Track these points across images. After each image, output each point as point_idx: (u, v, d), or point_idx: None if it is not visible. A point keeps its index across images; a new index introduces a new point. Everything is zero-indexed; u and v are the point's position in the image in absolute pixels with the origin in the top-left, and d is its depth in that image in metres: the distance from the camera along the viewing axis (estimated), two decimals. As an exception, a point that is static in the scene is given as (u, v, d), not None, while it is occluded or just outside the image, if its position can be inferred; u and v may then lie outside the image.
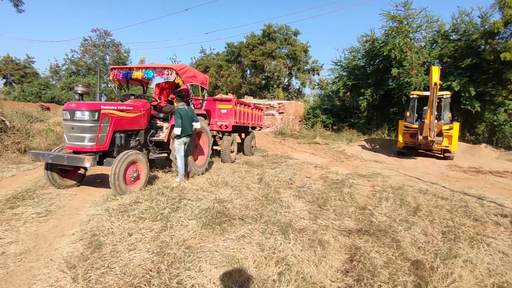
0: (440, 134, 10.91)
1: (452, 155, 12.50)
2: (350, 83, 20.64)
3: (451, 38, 17.55)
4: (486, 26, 15.39)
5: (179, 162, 6.18)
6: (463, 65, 15.40)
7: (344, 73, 22.44)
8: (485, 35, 14.92)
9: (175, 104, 6.91)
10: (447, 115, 12.67)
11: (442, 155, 13.08)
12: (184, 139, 6.12)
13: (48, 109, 23.66)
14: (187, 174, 6.50)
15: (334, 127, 22.34)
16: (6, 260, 2.95)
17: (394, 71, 17.04)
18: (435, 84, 10.29)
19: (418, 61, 16.71)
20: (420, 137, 10.87)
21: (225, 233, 3.74)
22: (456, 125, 12.46)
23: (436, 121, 10.86)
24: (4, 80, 39.52)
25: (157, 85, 7.99)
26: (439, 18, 18.43)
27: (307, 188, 6.32)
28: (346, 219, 4.59)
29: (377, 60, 19.86)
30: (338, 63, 23.03)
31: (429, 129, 10.51)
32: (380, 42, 18.80)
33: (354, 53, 22.29)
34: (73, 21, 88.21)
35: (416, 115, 13.42)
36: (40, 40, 72.62)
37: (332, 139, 18.87)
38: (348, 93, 22.10)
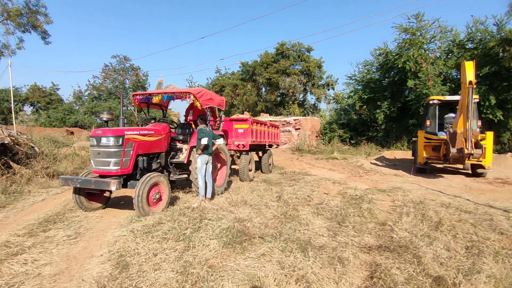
0: (477, 145, 8.95)
1: (486, 171, 10.52)
2: (366, 97, 20.61)
3: (467, 47, 17.39)
4: (502, 34, 15.20)
5: (200, 182, 6.37)
6: (481, 74, 15.16)
7: (359, 87, 22.45)
8: (502, 43, 14.72)
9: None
10: (476, 123, 10.37)
11: (471, 172, 11.22)
12: (206, 157, 6.33)
13: (72, 133, 24.73)
14: (212, 195, 6.64)
15: (352, 141, 22.18)
16: (42, 281, 3.14)
17: (410, 83, 16.97)
18: (470, 83, 8.44)
19: (434, 72, 16.59)
20: (453, 150, 9.05)
21: (246, 252, 3.82)
22: (490, 135, 10.41)
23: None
24: (32, 108, 41.66)
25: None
26: (453, 28, 18.38)
27: (325, 205, 6.33)
28: (366, 236, 4.58)
29: (392, 73, 19.85)
30: (353, 77, 23.12)
31: (465, 139, 8.75)
32: (394, 54, 18.84)
33: (368, 66, 22.37)
34: (95, 49, 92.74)
35: (437, 124, 11.49)
36: (65, 71, 76.80)
37: (350, 154, 18.71)
38: (365, 107, 22.05)
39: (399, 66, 17.55)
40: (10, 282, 3.07)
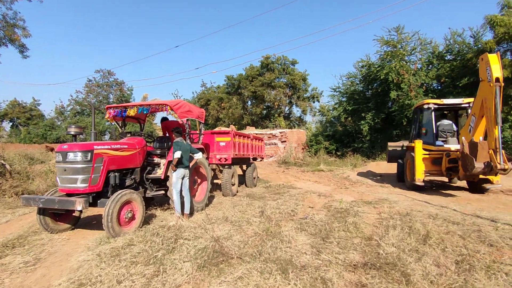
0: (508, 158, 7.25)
1: (494, 186, 9.01)
2: (350, 108, 20.73)
3: (446, 58, 17.80)
4: (479, 46, 15.60)
5: (175, 198, 6.01)
6: (460, 84, 15.46)
7: (344, 99, 22.62)
8: (479, 54, 15.05)
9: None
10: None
11: (469, 187, 9.89)
12: (182, 171, 5.99)
13: (51, 150, 23.88)
14: (191, 211, 6.29)
15: (338, 153, 22.14)
16: (-17, 319, 2.73)
17: (393, 94, 17.15)
18: (497, 80, 6.97)
19: (416, 82, 16.83)
20: (478, 165, 7.23)
21: (222, 275, 3.49)
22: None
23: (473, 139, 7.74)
24: (11, 124, 40.36)
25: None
26: (432, 40, 18.85)
27: (309, 220, 6.05)
28: (351, 252, 4.31)
29: (375, 84, 20.08)
30: (337, 89, 23.30)
31: (493, 150, 7.08)
32: (376, 66, 19.10)
33: (351, 78, 22.61)
34: (76, 63, 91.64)
35: (434, 132, 9.86)
36: (44, 84, 75.23)
37: (336, 165, 18.60)
38: (349, 118, 22.14)
39: (382, 77, 17.76)
40: None
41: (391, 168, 15.77)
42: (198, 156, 6.33)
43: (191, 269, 3.62)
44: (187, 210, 6.11)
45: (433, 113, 9.85)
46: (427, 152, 9.50)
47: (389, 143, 13.75)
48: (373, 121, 19.10)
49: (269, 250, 4.24)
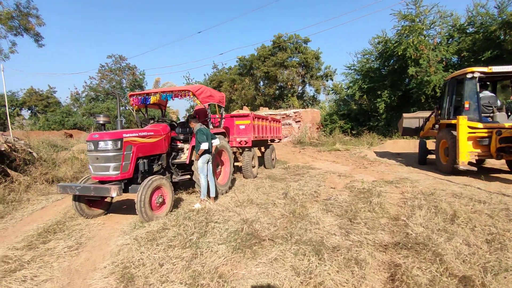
0: None
1: None
2: (366, 86, 20.34)
3: (467, 31, 17.08)
4: (504, 17, 14.89)
5: (203, 182, 6.16)
6: (483, 58, 14.91)
7: (358, 77, 22.17)
8: (503, 26, 14.44)
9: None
10: None
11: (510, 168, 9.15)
12: (207, 156, 6.11)
13: (71, 136, 24.49)
14: (216, 194, 6.44)
15: (353, 132, 21.94)
16: (42, 300, 2.95)
17: (411, 70, 16.70)
18: None
19: (436, 58, 16.29)
20: None
21: (257, 257, 3.63)
22: None
23: None
24: (29, 112, 41.27)
25: None
26: (453, 12, 18.04)
27: (334, 201, 6.14)
28: (380, 232, 4.39)
29: (392, 61, 19.56)
30: (352, 67, 22.82)
31: None
32: (393, 42, 18.54)
33: (367, 55, 22.06)
34: (90, 49, 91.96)
35: (479, 107, 8.40)
36: (60, 73, 75.94)
37: (352, 144, 18.50)
38: (365, 96, 21.77)
39: (399, 53, 17.26)
40: (9, 303, 2.88)
41: (409, 146, 15.62)
42: (216, 142, 6.39)
43: (226, 251, 3.77)
44: (212, 193, 6.25)
45: (477, 84, 8.51)
46: (472, 130, 8.22)
47: (404, 114, 12.67)
48: (389, 99, 18.74)
49: (299, 232, 4.35)
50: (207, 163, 6.17)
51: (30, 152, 9.89)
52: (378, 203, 5.72)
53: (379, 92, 19.52)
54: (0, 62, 21.05)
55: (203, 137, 5.90)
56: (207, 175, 6.16)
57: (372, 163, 12.06)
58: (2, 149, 8.47)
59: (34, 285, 3.22)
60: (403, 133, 12.86)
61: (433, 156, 10.53)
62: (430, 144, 11.50)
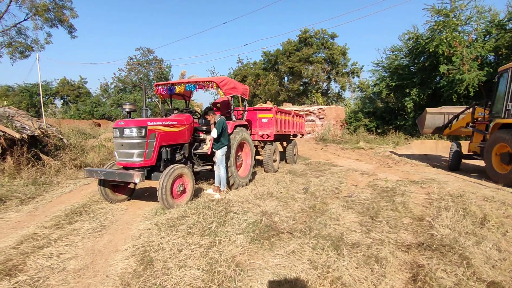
0: None
1: None
2: (394, 84, 19.73)
3: (507, 27, 16.12)
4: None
5: (223, 173, 6.22)
6: (523, 56, 14.04)
7: (386, 74, 21.54)
8: (548, 22, 13.50)
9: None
10: None
11: None
12: (225, 148, 6.23)
13: (99, 125, 25.39)
14: (229, 186, 6.50)
15: (378, 131, 21.39)
16: (67, 277, 3.07)
17: (443, 68, 16.01)
18: None
19: (470, 55, 15.51)
20: None
21: (274, 249, 3.61)
22: None
23: None
24: (62, 101, 43.10)
25: None
26: (492, 7, 17.07)
27: (355, 198, 6.01)
28: (402, 232, 4.25)
29: (422, 58, 18.85)
30: (379, 64, 22.21)
31: None
32: (424, 38, 17.84)
33: (396, 52, 21.36)
34: (119, 41, 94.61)
35: None
36: (90, 63, 78.89)
37: (377, 143, 18.06)
38: (392, 94, 21.13)
39: (431, 50, 16.57)
40: (35, 277, 3.02)
41: (437, 147, 15.06)
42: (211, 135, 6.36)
43: (244, 241, 3.78)
44: (223, 186, 6.32)
45: None
46: None
47: (428, 109, 11.28)
48: (418, 97, 18.08)
49: (318, 227, 4.29)
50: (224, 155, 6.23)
51: (61, 139, 10.34)
52: (401, 202, 5.55)
53: (407, 90, 18.87)
54: (36, 52, 22.07)
55: (218, 129, 5.98)
56: (226, 166, 6.23)
57: (397, 162, 11.71)
58: (36, 134, 8.89)
59: (59, 262, 3.35)
60: (424, 131, 11.56)
61: (469, 161, 9.66)
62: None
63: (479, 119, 9.61)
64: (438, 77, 18.27)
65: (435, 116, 11.10)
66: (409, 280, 2.98)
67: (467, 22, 17.27)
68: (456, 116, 10.54)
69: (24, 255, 3.47)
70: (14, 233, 4.26)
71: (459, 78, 15.32)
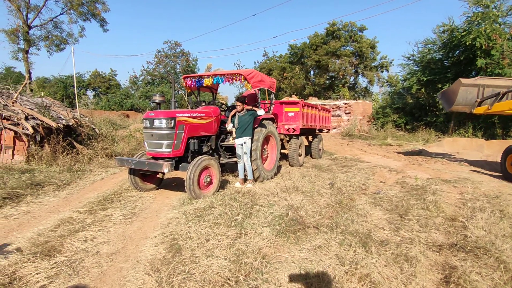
0: None
1: None
2: (425, 79, 18.93)
3: (553, 19, 15.02)
4: None
5: (247, 165, 6.30)
6: None
7: (417, 68, 20.70)
8: None
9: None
10: None
11: None
12: (250, 141, 6.37)
13: (127, 116, 26.17)
14: (255, 178, 6.56)
15: (407, 127, 20.70)
16: (100, 260, 3.20)
17: (481, 62, 15.18)
18: None
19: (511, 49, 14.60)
20: None
21: (300, 243, 3.60)
22: None
23: None
24: (93, 92, 44.82)
25: None
26: (537, -3, 15.92)
27: (383, 195, 5.86)
28: (433, 232, 4.10)
29: (458, 51, 17.94)
30: (411, 58, 21.37)
31: None
32: (461, 31, 16.93)
33: (429, 45, 20.44)
34: (148, 34, 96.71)
35: None
36: (121, 55, 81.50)
37: (406, 140, 17.50)
38: (423, 89, 20.31)
39: (467, 43, 15.73)
40: (72, 259, 3.17)
41: (471, 145, 14.33)
42: (229, 127, 6.58)
43: (270, 234, 3.78)
44: (241, 175, 6.51)
45: None
46: None
47: (463, 80, 8.83)
48: (452, 93, 17.26)
49: (345, 223, 4.22)
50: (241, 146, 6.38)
51: (93, 128, 10.76)
52: (432, 201, 5.35)
53: (439, 86, 18.07)
54: (71, 45, 22.98)
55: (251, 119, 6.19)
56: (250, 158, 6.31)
57: (427, 160, 11.30)
58: (70, 123, 9.31)
59: (93, 246, 3.51)
60: (453, 108, 9.22)
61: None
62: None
63: None
64: (474, 72, 17.34)
65: (468, 89, 8.81)
66: (441, 281, 2.89)
67: (508, 13, 16.22)
68: (501, 94, 8.34)
69: (62, 238, 3.65)
70: (52, 216, 4.50)
71: (498, 72, 14.48)
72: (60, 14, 23.55)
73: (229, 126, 6.49)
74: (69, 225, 4.08)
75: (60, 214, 4.58)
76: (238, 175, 6.59)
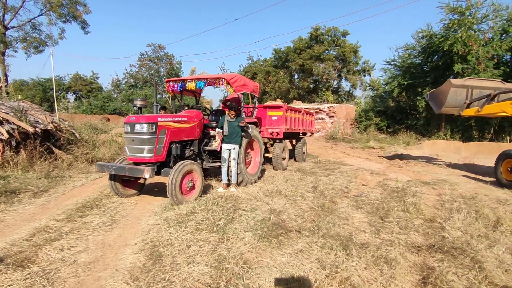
0: None
1: None
2: (406, 83, 19.45)
3: (525, 26, 15.71)
4: None
5: (234, 170, 6.29)
6: (541, 56, 13.66)
7: (398, 72, 21.25)
8: None
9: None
10: None
11: None
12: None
13: (108, 120, 25.69)
14: (238, 182, 6.55)
15: (389, 130, 21.17)
16: (77, 269, 3.11)
17: (457, 67, 15.70)
18: None
19: (486, 54, 15.17)
20: None
21: (282, 247, 3.60)
22: None
23: None
24: (74, 96, 43.83)
25: None
26: (509, 6, 16.65)
27: (365, 197, 5.95)
28: (413, 233, 4.19)
29: (436, 57, 18.52)
30: (392, 62, 21.92)
31: None
32: (438, 37, 17.51)
33: (409, 50, 21.04)
34: (130, 37, 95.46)
35: None
36: (103, 58, 79.92)
37: (388, 143, 17.88)
38: (404, 93, 20.85)
39: (445, 49, 16.26)
40: (47, 269, 3.07)
41: (449, 148, 14.78)
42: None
43: (252, 239, 3.77)
44: (225, 179, 6.46)
45: None
46: None
47: (453, 80, 8.70)
48: (431, 97, 17.77)
49: (327, 226, 4.26)
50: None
51: (73, 133, 10.50)
52: (412, 203, 5.47)
53: (419, 90, 18.59)
54: (49, 47, 22.42)
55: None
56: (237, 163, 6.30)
57: (407, 162, 11.56)
58: (49, 128, 9.05)
59: (70, 255, 3.41)
60: (443, 110, 9.00)
61: (481, 163, 8.06)
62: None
63: None
64: (452, 76, 17.90)
65: (458, 90, 8.55)
66: (419, 282, 2.94)
67: (483, 21, 16.87)
68: (491, 96, 8.16)
69: (36, 247, 3.53)
70: (27, 225, 4.35)
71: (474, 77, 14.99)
72: (39, 15, 22.99)
73: (216, 131, 6.46)
74: (45, 233, 3.95)
75: (36, 222, 4.43)
76: (221, 180, 6.56)
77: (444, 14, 17.31)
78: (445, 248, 3.58)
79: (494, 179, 7.85)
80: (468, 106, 8.63)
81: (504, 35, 16.39)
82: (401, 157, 12.99)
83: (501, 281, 2.86)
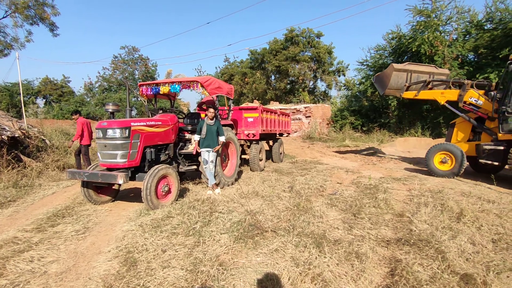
0: None
1: None
2: (378, 82, 20.02)
3: (485, 28, 16.62)
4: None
5: (211, 172, 6.32)
6: (501, 56, 14.50)
7: (371, 72, 21.86)
8: (524, 22, 13.97)
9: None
10: None
11: None
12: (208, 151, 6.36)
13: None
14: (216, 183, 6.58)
15: (364, 128, 21.74)
16: (48, 280, 3.04)
17: (425, 67, 16.33)
18: None
19: (451, 55, 15.92)
20: None
21: (258, 247, 3.66)
22: None
23: None
24: (44, 100, 42.07)
25: None
26: (471, 8, 17.57)
27: (339, 195, 6.12)
28: (383, 228, 4.36)
29: (406, 57, 19.20)
30: (364, 63, 22.52)
31: None
32: (407, 38, 18.21)
33: (380, 51, 21.71)
34: (103, 39, 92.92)
35: None
36: (73, 62, 77.26)
37: (362, 141, 18.36)
38: (376, 93, 21.48)
39: (413, 50, 16.94)
40: (15, 281, 2.98)
41: (420, 144, 15.39)
42: (222, 139, 6.45)
43: (228, 240, 3.81)
44: (212, 181, 6.44)
45: None
46: None
47: (395, 65, 9.40)
48: (402, 95, 18.44)
49: (302, 225, 4.36)
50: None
51: (43, 140, 10.13)
52: (383, 199, 5.68)
53: (391, 89, 19.21)
54: (16, 50, 21.49)
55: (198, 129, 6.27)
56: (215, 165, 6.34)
57: (381, 160, 11.94)
58: (16, 135, 8.69)
59: (40, 266, 3.32)
60: (386, 92, 9.72)
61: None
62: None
63: (468, 103, 8.24)
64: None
65: (399, 74, 9.38)
66: (387, 274, 3.08)
67: (447, 22, 17.70)
68: (426, 82, 9.09)
69: (4, 260, 3.41)
70: (-6, 237, 4.18)
71: (441, 77, 15.70)
72: (4, 17, 21.97)
73: (195, 137, 6.39)
74: (13, 245, 3.82)
75: (3, 234, 4.27)
76: (198, 183, 6.55)
77: (412, 16, 18.03)
78: (412, 241, 3.75)
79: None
80: (407, 89, 9.47)
81: (467, 36, 17.26)
82: (375, 154, 13.40)
83: (462, 269, 3.05)
